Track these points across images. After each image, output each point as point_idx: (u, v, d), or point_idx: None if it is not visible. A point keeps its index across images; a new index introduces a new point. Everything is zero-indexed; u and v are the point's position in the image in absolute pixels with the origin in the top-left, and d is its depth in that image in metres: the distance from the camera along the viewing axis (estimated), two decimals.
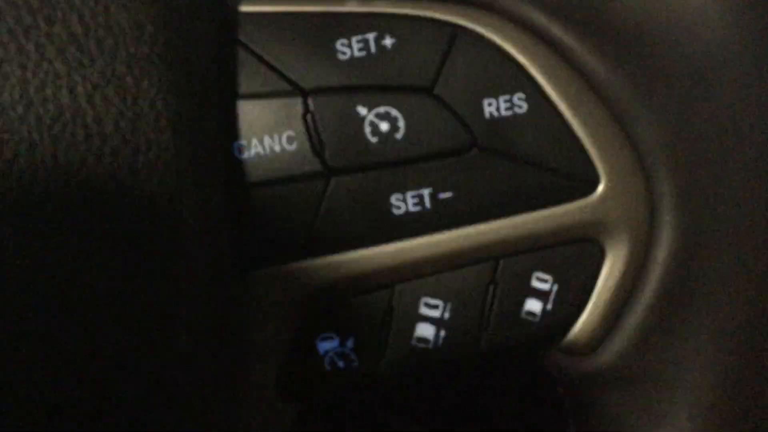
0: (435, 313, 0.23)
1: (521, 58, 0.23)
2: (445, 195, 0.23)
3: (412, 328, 0.23)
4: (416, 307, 0.23)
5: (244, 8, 0.23)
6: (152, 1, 0.20)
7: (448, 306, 0.23)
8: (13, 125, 0.19)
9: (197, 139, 0.21)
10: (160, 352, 0.20)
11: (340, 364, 0.23)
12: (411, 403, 0.40)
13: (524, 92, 0.23)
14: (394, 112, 0.22)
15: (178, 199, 0.20)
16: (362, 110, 0.22)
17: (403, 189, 0.23)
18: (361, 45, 0.22)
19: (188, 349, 0.21)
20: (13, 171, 0.19)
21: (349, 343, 0.23)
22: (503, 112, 0.23)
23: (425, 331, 0.23)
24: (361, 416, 0.39)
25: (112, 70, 0.20)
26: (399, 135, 0.22)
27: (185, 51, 0.21)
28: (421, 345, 0.23)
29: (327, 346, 0.23)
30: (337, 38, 0.22)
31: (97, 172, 0.19)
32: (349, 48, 0.22)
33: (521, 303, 0.23)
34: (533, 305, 0.24)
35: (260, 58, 0.22)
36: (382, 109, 0.22)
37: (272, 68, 0.22)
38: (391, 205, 0.23)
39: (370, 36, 0.22)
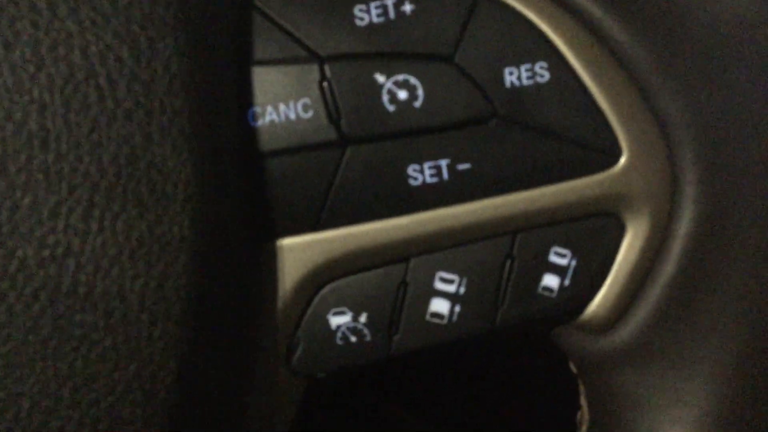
0: (450, 288, 0.23)
1: (544, 26, 0.22)
2: (464, 166, 0.22)
3: (427, 303, 0.23)
4: (431, 281, 0.23)
5: None
6: None
7: (464, 281, 0.23)
8: (24, 85, 0.18)
9: (211, 104, 0.20)
10: (170, 319, 0.20)
11: (353, 339, 0.23)
12: (417, 393, 0.40)
13: (546, 61, 0.22)
14: (413, 80, 0.22)
15: (192, 166, 0.19)
16: (380, 78, 0.22)
17: (420, 159, 0.22)
18: (379, 11, 0.22)
19: (199, 320, 0.20)
20: (23, 132, 0.18)
21: (362, 318, 0.23)
22: (524, 82, 0.22)
23: (440, 306, 0.23)
24: (368, 410, 0.38)
25: (126, 31, 0.19)
26: (417, 104, 0.22)
27: (201, 14, 0.20)
28: (436, 320, 0.23)
29: (339, 320, 0.23)
30: (356, 3, 0.22)
31: (110, 135, 0.19)
32: (367, 14, 0.22)
33: (538, 278, 0.23)
34: (551, 281, 0.23)
35: (276, 24, 0.22)
36: (400, 77, 0.22)
37: (288, 34, 0.22)
38: (408, 176, 0.22)
39: (389, 1, 0.22)
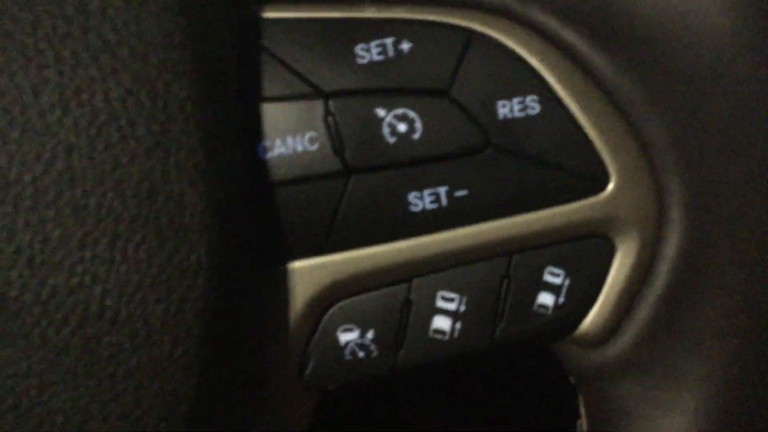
0: (451, 306, 0.24)
1: (534, 61, 0.23)
2: (461, 193, 0.24)
3: (429, 321, 0.24)
4: (433, 300, 0.24)
5: (268, 14, 0.24)
6: (181, 9, 0.21)
7: (464, 299, 0.24)
8: (52, 128, 0.20)
9: (224, 139, 0.22)
10: (189, 340, 0.21)
11: (361, 354, 0.24)
12: (425, 398, 0.41)
13: (537, 94, 0.23)
14: (412, 114, 0.23)
15: (207, 198, 0.21)
16: (381, 112, 0.23)
17: (420, 187, 0.23)
18: (379, 49, 0.23)
19: (216, 340, 0.22)
20: (52, 171, 0.20)
21: (369, 335, 0.24)
22: (516, 114, 0.23)
23: (442, 323, 0.24)
24: (377, 413, 0.40)
25: (144, 76, 0.21)
26: (416, 135, 0.23)
27: (212, 56, 0.22)
28: (438, 337, 0.24)
29: (347, 337, 0.24)
30: (357, 43, 0.23)
31: (131, 172, 0.20)
32: (368, 52, 0.23)
33: (534, 296, 0.24)
34: (546, 299, 0.24)
35: (283, 63, 0.23)
36: (399, 111, 0.23)
37: (294, 72, 0.23)
38: (408, 202, 0.24)
39: (388, 41, 0.23)
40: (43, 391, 0.20)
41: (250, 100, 0.23)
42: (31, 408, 0.20)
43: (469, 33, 0.24)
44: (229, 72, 0.22)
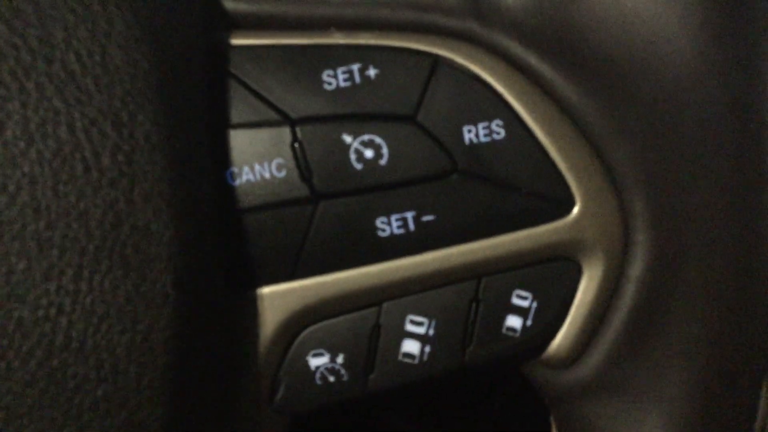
0: (420, 330, 0.24)
1: (499, 87, 0.24)
2: (428, 218, 0.24)
3: (399, 345, 0.24)
4: (402, 324, 0.24)
5: (235, 41, 0.24)
6: (146, 39, 0.21)
7: (433, 323, 0.24)
8: (16, 160, 0.20)
9: (191, 168, 0.22)
10: (156, 369, 0.21)
11: (331, 379, 0.24)
12: (406, 403, 0.41)
13: (502, 119, 0.24)
14: (378, 140, 0.23)
15: (173, 227, 0.21)
16: (347, 138, 0.23)
17: (387, 212, 0.24)
18: (346, 75, 0.23)
19: (184, 368, 0.22)
20: (16, 203, 0.20)
21: (339, 359, 0.24)
22: (482, 139, 0.24)
23: (411, 347, 0.25)
24: (358, 415, 0.40)
25: (108, 106, 0.21)
26: (383, 161, 0.23)
27: (178, 85, 0.22)
28: (408, 360, 0.25)
29: (318, 361, 0.24)
30: (324, 69, 0.23)
31: (96, 203, 0.20)
32: (334, 78, 0.23)
33: (502, 319, 0.25)
34: (514, 321, 0.25)
35: (250, 89, 0.23)
36: (366, 137, 0.23)
37: (262, 98, 0.23)
38: (376, 227, 0.24)
39: (355, 67, 0.23)
40: (9, 423, 0.20)
41: (218, 127, 0.23)
42: None
43: (435, 58, 0.24)
44: (196, 99, 0.22)
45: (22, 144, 0.20)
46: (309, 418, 0.26)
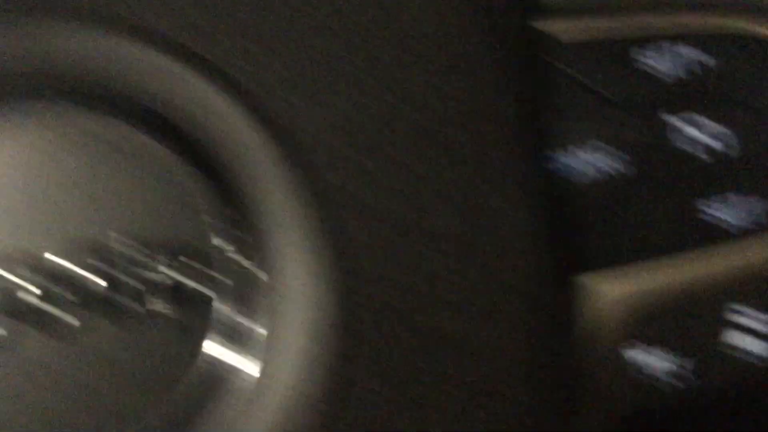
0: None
1: None
2: None
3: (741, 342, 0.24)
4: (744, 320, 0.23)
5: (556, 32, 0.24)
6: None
7: None
8: None
9: (533, 155, 0.22)
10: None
11: (672, 379, 0.24)
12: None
13: None
14: (719, 128, 0.23)
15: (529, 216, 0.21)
16: (672, 120, 0.23)
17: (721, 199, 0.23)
18: (680, 65, 0.23)
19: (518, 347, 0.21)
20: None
21: (686, 362, 0.23)
22: None
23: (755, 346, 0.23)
24: None
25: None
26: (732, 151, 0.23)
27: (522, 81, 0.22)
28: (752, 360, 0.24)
29: (655, 360, 0.24)
30: (643, 56, 0.23)
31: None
32: (666, 67, 0.23)
33: None
34: None
35: (575, 79, 0.23)
36: (688, 117, 0.23)
37: (586, 87, 0.23)
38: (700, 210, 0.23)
39: (691, 55, 0.23)
40: None
41: (544, 114, 0.23)
42: None
43: None
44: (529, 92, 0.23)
45: None
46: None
